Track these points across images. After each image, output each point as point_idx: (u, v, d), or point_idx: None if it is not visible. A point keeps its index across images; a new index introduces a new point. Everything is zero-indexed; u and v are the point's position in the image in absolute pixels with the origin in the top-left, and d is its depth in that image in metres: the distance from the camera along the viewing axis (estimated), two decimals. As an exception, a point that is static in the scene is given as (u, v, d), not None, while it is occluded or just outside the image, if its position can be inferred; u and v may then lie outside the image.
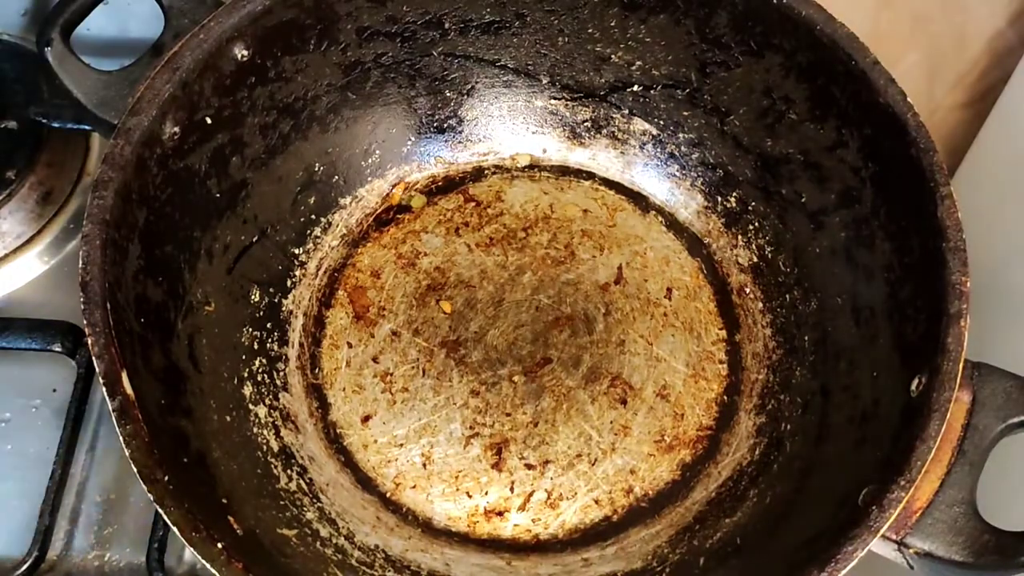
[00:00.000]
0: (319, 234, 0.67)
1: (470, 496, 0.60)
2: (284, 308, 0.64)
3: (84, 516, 0.60)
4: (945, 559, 0.45)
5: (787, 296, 0.64)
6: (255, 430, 0.58)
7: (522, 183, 0.71)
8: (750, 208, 0.66)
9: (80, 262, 0.48)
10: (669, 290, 0.66)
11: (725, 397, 0.63)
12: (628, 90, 0.68)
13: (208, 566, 0.43)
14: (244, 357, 0.61)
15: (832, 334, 0.60)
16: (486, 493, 0.60)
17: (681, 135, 0.68)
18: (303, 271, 0.66)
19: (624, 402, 0.62)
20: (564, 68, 0.68)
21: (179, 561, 0.59)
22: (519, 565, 0.58)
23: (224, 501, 0.50)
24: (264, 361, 0.62)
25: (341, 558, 0.55)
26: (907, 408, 0.49)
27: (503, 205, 0.69)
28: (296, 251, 0.66)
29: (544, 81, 0.69)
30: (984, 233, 0.70)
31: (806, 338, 0.62)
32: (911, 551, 0.46)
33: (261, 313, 0.63)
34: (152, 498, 0.44)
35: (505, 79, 0.69)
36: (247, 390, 0.59)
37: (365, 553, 0.56)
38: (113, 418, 0.45)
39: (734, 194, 0.67)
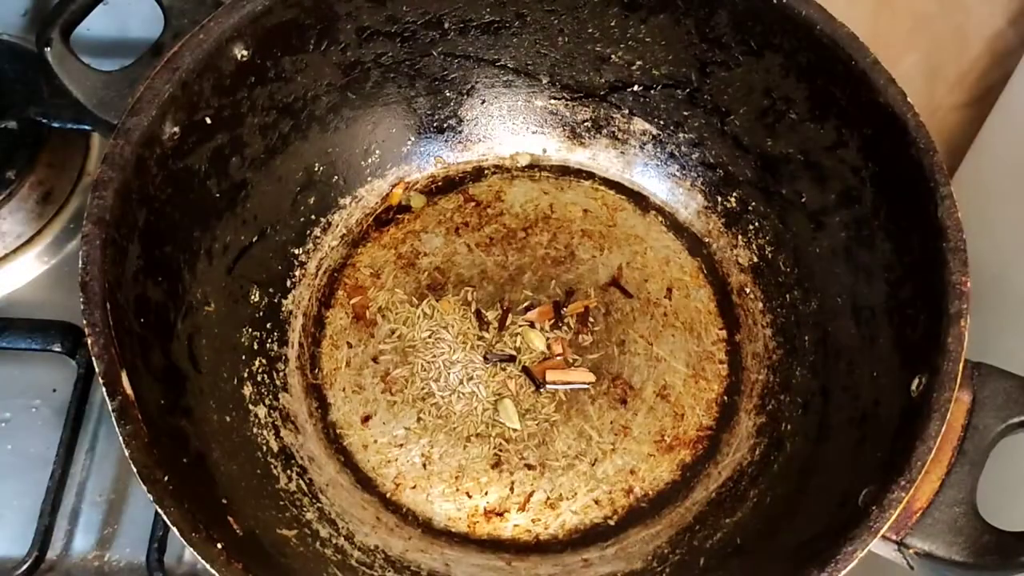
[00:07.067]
0: (319, 234, 0.67)
1: (470, 496, 0.60)
2: (284, 308, 0.64)
3: (84, 516, 0.60)
4: (945, 559, 0.45)
5: (787, 296, 0.64)
6: (255, 430, 0.58)
7: (522, 183, 0.71)
8: (750, 208, 0.66)
9: (80, 262, 0.48)
10: (669, 290, 0.66)
11: (725, 397, 0.63)
12: (628, 90, 0.68)
13: (208, 566, 0.43)
14: (244, 357, 0.61)
15: (832, 334, 0.60)
16: (486, 493, 0.60)
17: (681, 135, 0.68)
18: (303, 271, 0.66)
19: (624, 402, 0.62)
20: (564, 68, 0.68)
21: (179, 561, 0.59)
22: (519, 566, 0.58)
23: (224, 501, 0.50)
24: (264, 361, 0.62)
25: (341, 558, 0.55)
26: (907, 408, 0.49)
27: (503, 205, 0.69)
28: (296, 251, 0.66)
29: (544, 81, 0.69)
30: (984, 233, 0.70)
31: (806, 338, 0.62)
32: (911, 551, 0.46)
33: (261, 313, 0.63)
34: (152, 498, 0.44)
35: (505, 79, 0.69)
36: (247, 390, 0.59)
37: (365, 553, 0.56)
38: (113, 418, 0.45)
39: (734, 194, 0.67)
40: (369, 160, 0.69)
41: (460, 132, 0.71)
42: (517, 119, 0.71)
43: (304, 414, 0.62)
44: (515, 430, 0.61)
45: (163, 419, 0.50)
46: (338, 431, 0.61)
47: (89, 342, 0.46)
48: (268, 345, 0.62)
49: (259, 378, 0.61)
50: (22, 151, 0.67)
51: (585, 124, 0.70)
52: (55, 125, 0.65)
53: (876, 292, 0.57)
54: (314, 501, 0.57)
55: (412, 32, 0.64)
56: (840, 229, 0.60)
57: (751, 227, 0.67)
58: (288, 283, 0.65)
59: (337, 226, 0.68)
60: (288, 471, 0.58)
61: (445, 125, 0.70)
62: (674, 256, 0.68)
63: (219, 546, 0.44)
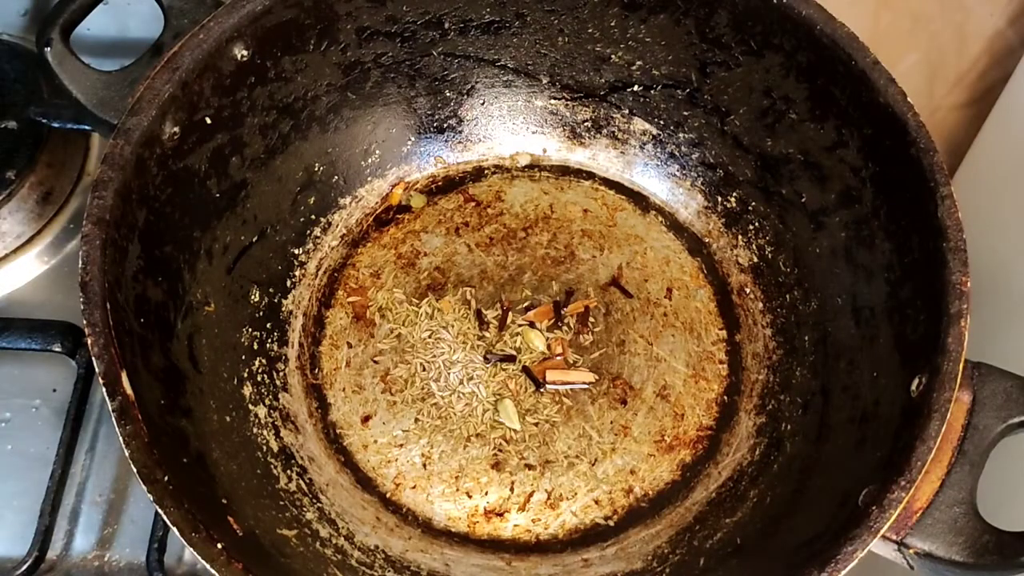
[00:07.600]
0: (319, 234, 0.67)
1: (470, 496, 0.60)
2: (284, 308, 0.64)
3: (84, 516, 0.60)
4: (945, 559, 0.45)
5: (787, 296, 0.64)
6: (255, 430, 0.58)
7: (522, 183, 0.71)
8: (750, 208, 0.66)
9: (80, 262, 0.48)
10: (669, 290, 0.66)
11: (725, 397, 0.63)
12: (628, 90, 0.68)
13: (208, 566, 0.43)
14: (244, 357, 0.61)
15: (832, 334, 0.60)
16: (486, 493, 0.60)
17: (681, 135, 0.68)
18: (303, 271, 0.66)
19: (624, 402, 0.62)
20: (564, 68, 0.68)
21: (179, 561, 0.59)
22: (519, 566, 0.58)
23: (224, 501, 0.50)
24: (264, 361, 0.62)
25: (341, 558, 0.55)
26: (907, 408, 0.49)
27: (503, 205, 0.69)
28: (296, 251, 0.66)
29: (544, 81, 0.69)
30: (984, 233, 0.70)
31: (806, 338, 0.62)
32: (911, 551, 0.46)
33: (261, 313, 0.63)
34: (152, 498, 0.44)
35: (505, 79, 0.69)
36: (247, 390, 0.59)
37: (365, 553, 0.56)
38: (113, 418, 0.45)
39: (734, 194, 0.67)
40: (369, 160, 0.69)
41: (460, 132, 0.71)
42: (517, 119, 0.71)
43: (304, 414, 0.62)
44: (515, 430, 0.61)
45: (163, 419, 0.50)
46: (338, 431, 0.61)
47: (89, 342, 0.46)
48: (268, 345, 0.62)
49: (259, 378, 0.61)
50: (22, 151, 0.67)
51: (585, 124, 0.70)
52: (55, 125, 0.65)
53: (876, 292, 0.57)
54: (314, 501, 0.57)
55: (412, 32, 0.64)
56: (840, 229, 0.60)
57: (751, 227, 0.67)
58: (288, 283, 0.65)
59: (337, 226, 0.68)
60: (288, 471, 0.58)
61: (445, 125, 0.70)
62: (674, 256, 0.68)
63: (219, 546, 0.44)
